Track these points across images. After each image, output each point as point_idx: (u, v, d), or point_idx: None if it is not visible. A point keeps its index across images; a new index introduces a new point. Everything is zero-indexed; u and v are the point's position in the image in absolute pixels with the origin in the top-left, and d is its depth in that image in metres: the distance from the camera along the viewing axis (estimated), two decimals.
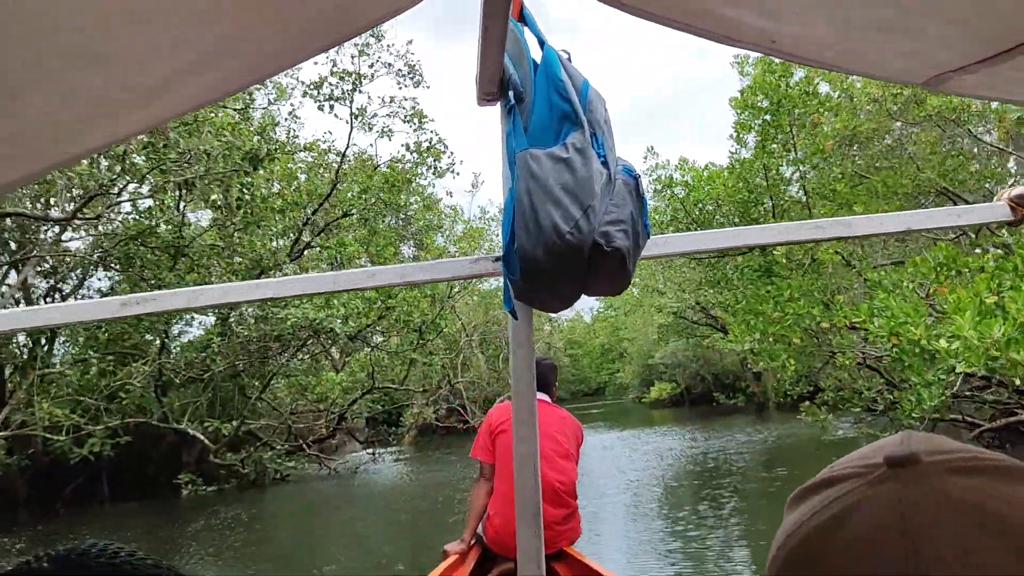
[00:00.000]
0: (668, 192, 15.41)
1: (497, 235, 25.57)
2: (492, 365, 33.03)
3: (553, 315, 37.73)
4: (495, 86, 1.17)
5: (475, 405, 30.00)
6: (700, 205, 14.37)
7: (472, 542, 3.05)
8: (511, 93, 1.15)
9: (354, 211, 15.46)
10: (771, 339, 8.67)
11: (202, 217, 14.89)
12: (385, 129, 16.20)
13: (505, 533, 2.80)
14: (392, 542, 7.97)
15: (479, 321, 31.37)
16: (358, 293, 15.03)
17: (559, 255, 1.07)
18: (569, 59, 1.22)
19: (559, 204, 1.08)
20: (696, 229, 13.60)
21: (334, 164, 16.87)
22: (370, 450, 18.38)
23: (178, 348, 15.03)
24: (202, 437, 13.49)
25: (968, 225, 1.35)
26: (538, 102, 1.16)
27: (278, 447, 15.27)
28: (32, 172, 0.87)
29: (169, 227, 12.41)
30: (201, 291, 1.17)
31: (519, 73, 1.15)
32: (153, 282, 12.22)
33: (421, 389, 20.61)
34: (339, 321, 13.10)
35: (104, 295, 12.31)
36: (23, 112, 0.72)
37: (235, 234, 13.37)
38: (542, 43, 1.21)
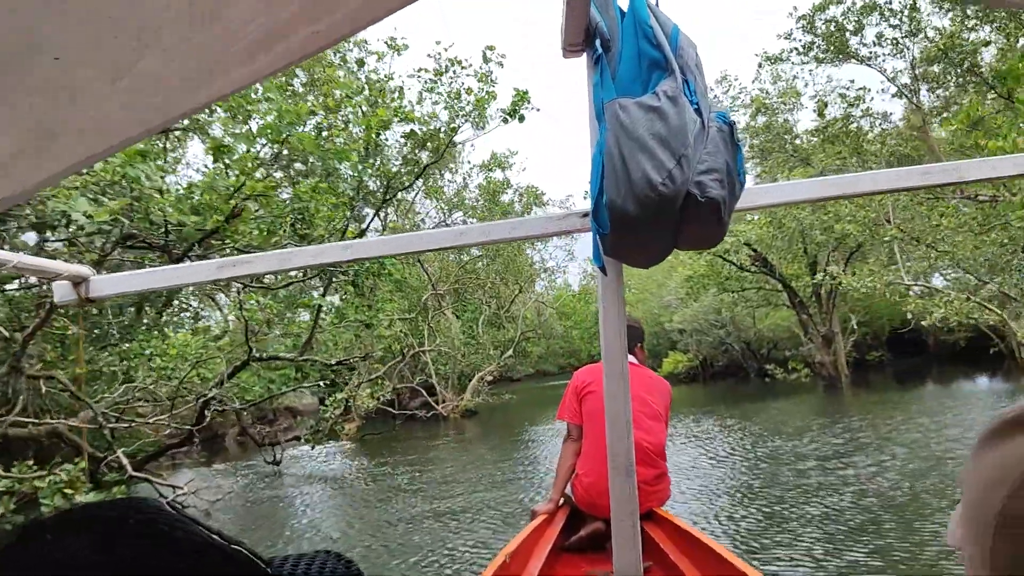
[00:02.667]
0: None
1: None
2: (469, 331, 26.86)
3: (538, 286, 34.75)
4: (581, 36, 1.16)
5: (446, 383, 23.87)
6: None
7: (561, 502, 3.31)
8: (598, 42, 1.13)
9: None
10: None
11: None
12: None
13: (595, 492, 3.06)
14: None
15: (453, 272, 25.53)
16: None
17: (652, 206, 1.07)
18: (657, 4, 1.18)
19: (651, 154, 1.08)
20: None
21: None
22: (271, 458, 13.10)
23: None
24: None
25: None
26: (626, 50, 1.16)
27: (78, 464, 8.99)
28: (141, 131, 0.90)
29: None
30: (293, 253, 1.19)
31: (606, 21, 1.13)
32: None
33: (334, 361, 15.08)
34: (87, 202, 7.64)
35: None
36: (139, 72, 0.74)
37: None
38: None
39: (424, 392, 21.39)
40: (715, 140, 1.34)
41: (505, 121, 16.41)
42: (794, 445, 10.25)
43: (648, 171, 1.22)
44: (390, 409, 18.33)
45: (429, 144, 16.94)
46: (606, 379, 1.39)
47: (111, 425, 9.87)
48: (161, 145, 11.42)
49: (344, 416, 15.69)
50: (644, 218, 1.24)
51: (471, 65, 15.77)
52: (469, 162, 25.82)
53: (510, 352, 27.36)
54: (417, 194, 23.56)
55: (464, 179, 25.60)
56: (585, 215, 1.39)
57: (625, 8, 1.40)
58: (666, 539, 2.93)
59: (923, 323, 16.88)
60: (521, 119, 15.74)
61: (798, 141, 21.00)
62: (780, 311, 26.88)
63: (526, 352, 34.86)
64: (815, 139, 20.21)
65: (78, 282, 1.36)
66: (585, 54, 1.39)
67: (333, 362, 14.67)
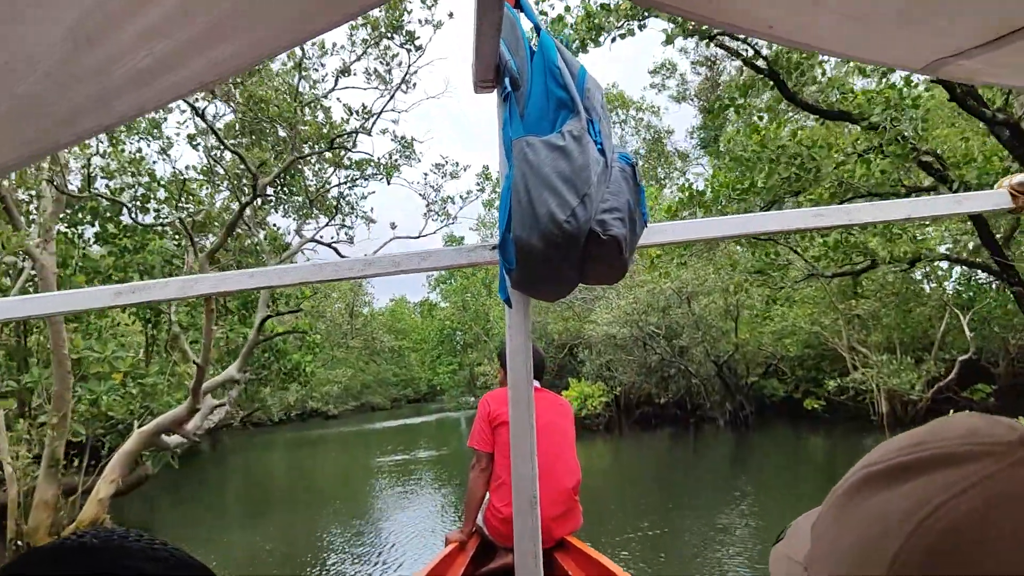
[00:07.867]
0: None
1: None
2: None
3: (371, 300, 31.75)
4: (491, 73, 1.20)
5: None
6: None
7: (472, 531, 3.29)
8: (507, 80, 1.17)
9: None
10: None
11: None
12: None
13: (510, 523, 2.70)
14: None
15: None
16: None
17: (556, 243, 1.12)
18: (567, 46, 1.22)
19: (556, 192, 1.12)
20: None
21: None
22: None
23: None
24: None
25: (969, 212, 1.38)
26: (534, 89, 1.20)
27: None
28: (22, 156, 0.90)
29: None
30: (196, 280, 1.19)
31: (515, 60, 1.18)
32: None
33: None
34: None
35: None
36: (21, 95, 0.74)
37: None
38: (538, 29, 1.22)
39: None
40: (618, 180, 1.38)
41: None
42: None
43: (553, 208, 1.25)
44: None
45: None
46: (512, 411, 1.41)
47: None
48: None
49: None
50: (549, 254, 1.28)
51: None
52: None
53: (234, 370, 12.45)
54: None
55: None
56: (493, 248, 1.41)
57: (535, 48, 1.45)
58: (576, 568, 3.00)
59: None
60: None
61: None
62: (801, 306, 15.91)
63: (300, 373, 16.10)
64: None
65: None
66: (496, 90, 1.43)
67: None
